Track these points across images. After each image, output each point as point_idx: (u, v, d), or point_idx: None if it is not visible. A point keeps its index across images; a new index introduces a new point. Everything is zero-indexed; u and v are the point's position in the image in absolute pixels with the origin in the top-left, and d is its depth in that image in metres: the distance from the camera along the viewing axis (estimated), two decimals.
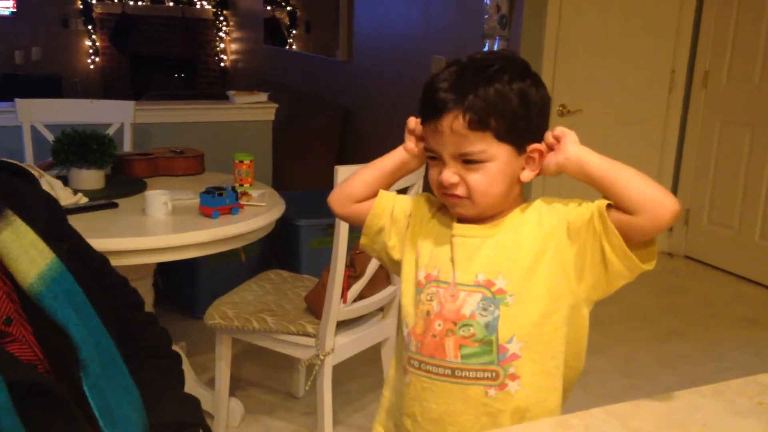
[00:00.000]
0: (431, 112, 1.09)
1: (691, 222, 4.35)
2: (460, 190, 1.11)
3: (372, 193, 1.25)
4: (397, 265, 1.24)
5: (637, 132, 4.28)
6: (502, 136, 1.07)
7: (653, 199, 1.02)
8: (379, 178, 1.24)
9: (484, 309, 1.10)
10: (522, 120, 1.08)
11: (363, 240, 1.29)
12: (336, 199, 1.28)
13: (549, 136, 1.11)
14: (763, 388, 1.08)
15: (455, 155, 1.09)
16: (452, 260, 1.14)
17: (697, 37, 4.22)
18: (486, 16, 3.99)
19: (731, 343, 3.25)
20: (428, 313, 1.14)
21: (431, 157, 1.13)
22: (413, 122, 1.18)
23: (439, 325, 1.12)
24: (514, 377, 1.10)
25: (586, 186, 1.09)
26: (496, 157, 1.08)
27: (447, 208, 1.20)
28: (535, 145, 1.10)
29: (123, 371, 1.08)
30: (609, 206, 1.05)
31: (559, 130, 1.10)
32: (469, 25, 4.19)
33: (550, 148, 1.11)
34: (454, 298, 1.12)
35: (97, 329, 1.06)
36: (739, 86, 4.03)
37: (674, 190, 4.42)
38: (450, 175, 1.10)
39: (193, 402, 1.28)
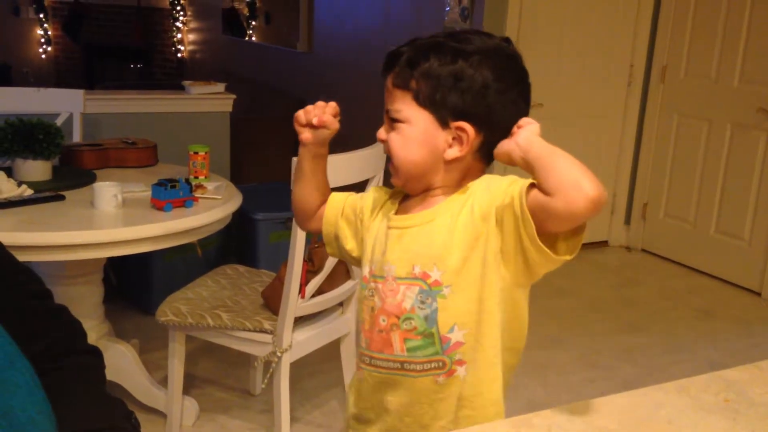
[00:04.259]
0: (383, 67, 1.13)
1: (649, 216, 4.40)
2: (386, 148, 1.14)
3: (319, 200, 1.27)
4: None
5: (596, 126, 4.30)
6: (421, 101, 1.08)
7: (571, 180, 0.94)
8: (307, 183, 1.26)
9: (422, 302, 1.09)
10: (445, 91, 1.07)
11: (328, 249, 1.30)
12: (299, 222, 1.33)
13: (514, 127, 1.07)
14: (728, 384, 1.07)
15: (386, 111, 1.13)
16: (384, 253, 1.14)
17: (655, 31, 4.26)
18: (447, 8, 3.97)
19: (688, 335, 3.28)
20: (372, 308, 1.15)
21: None
22: (298, 112, 1.19)
23: (383, 320, 1.13)
24: (461, 362, 1.10)
25: None
26: (413, 121, 1.09)
27: (394, 197, 1.20)
28: (462, 123, 1.07)
29: (23, 371, 0.99)
30: (532, 186, 1.00)
31: (524, 120, 1.07)
32: (429, 16, 4.16)
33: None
34: (394, 292, 1.11)
35: None
36: (697, 81, 4.07)
37: (632, 184, 4.46)
38: (382, 131, 1.14)
39: (113, 404, 1.19)
